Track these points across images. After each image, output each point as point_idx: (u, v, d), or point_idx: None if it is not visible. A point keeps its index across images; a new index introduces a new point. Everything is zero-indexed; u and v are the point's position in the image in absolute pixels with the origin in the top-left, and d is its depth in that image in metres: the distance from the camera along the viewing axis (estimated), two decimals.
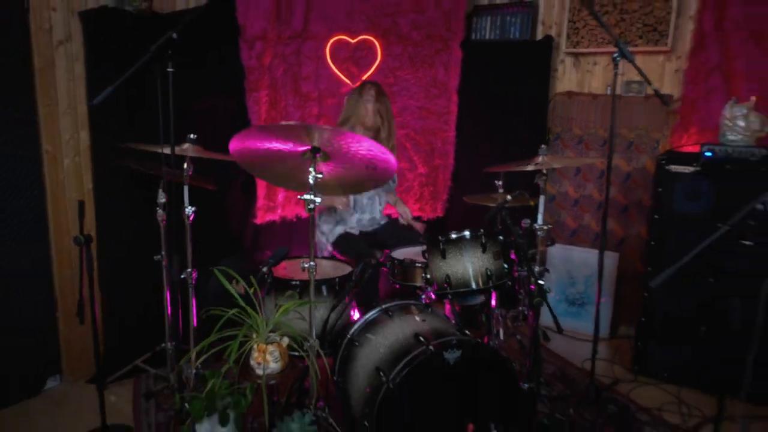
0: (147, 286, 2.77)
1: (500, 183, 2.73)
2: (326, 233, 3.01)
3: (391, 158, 1.97)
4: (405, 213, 3.14)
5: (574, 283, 3.55)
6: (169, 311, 2.56)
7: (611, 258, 3.39)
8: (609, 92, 3.36)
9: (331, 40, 3.44)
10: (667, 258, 2.80)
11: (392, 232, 3.10)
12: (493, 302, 2.72)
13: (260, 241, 3.46)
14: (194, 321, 2.46)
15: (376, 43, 3.50)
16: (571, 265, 3.53)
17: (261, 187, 3.38)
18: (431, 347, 1.95)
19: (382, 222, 3.19)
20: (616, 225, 3.42)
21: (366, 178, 2.13)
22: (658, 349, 2.91)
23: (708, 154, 2.69)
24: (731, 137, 2.73)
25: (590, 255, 3.45)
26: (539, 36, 3.56)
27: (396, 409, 1.95)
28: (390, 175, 2.09)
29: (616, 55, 2.28)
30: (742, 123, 2.70)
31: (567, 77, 3.54)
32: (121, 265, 2.83)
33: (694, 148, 2.87)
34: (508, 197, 2.21)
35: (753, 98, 2.72)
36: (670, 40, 3.16)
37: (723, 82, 3.03)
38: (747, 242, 2.53)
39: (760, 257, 2.54)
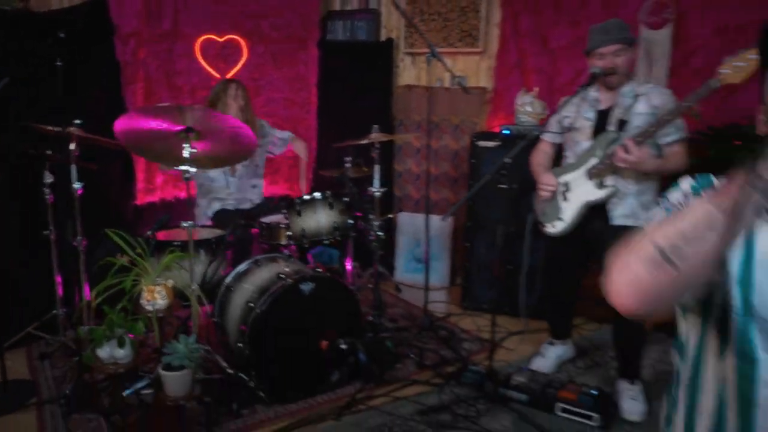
0: (40, 260, 3.04)
1: (348, 158, 3.34)
2: (203, 207, 3.45)
3: (251, 133, 2.48)
4: (301, 152, 3.65)
5: (419, 243, 4.27)
6: (60, 280, 2.89)
7: (446, 221, 4.15)
8: (438, 85, 4.10)
9: (200, 39, 3.86)
10: (480, 214, 3.58)
11: (267, 209, 3.59)
12: (349, 262, 3.34)
13: (140, 221, 3.80)
14: (86, 286, 2.81)
15: (242, 42, 3.99)
16: (416, 229, 4.24)
17: (140, 170, 3.73)
18: (289, 280, 2.52)
19: (258, 201, 3.67)
20: (449, 193, 4.19)
21: (233, 152, 2.63)
22: (478, 287, 3.70)
23: (506, 132, 3.50)
24: (522, 119, 3.57)
25: (430, 220, 4.18)
26: (383, 38, 4.24)
27: (264, 331, 2.49)
28: (252, 148, 2.60)
29: (428, 54, 2.97)
30: (529, 108, 3.55)
31: (407, 73, 4.26)
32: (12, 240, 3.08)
33: (498, 129, 3.69)
34: (347, 165, 2.84)
35: (536, 89, 3.58)
36: (481, 44, 3.97)
37: (520, 76, 3.89)
38: (503, 186, 3.23)
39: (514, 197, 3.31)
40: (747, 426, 0.89)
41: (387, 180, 4.36)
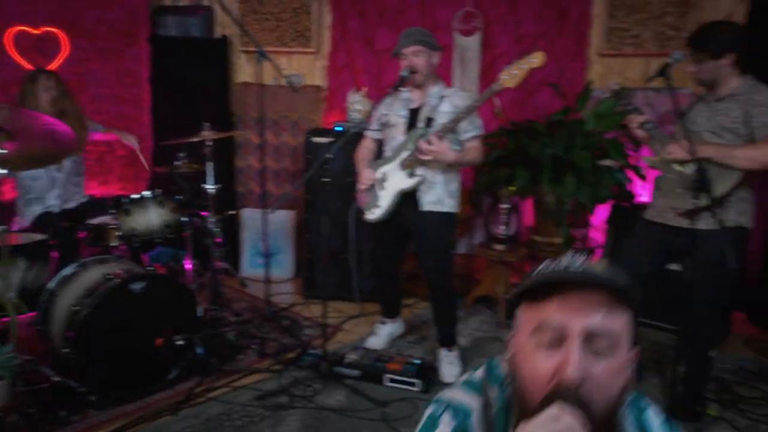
0: None
1: (182, 155, 3.32)
2: (23, 209, 3.23)
3: (68, 128, 2.40)
4: (131, 141, 3.49)
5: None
6: None
7: (289, 215, 4.29)
8: (275, 83, 4.21)
9: (12, 30, 3.59)
10: (317, 206, 3.76)
11: (93, 209, 3.45)
12: (188, 261, 3.34)
13: None
14: None
15: (62, 35, 3.76)
16: (260, 225, 4.32)
17: None
18: (117, 280, 2.49)
19: (83, 200, 3.50)
20: (291, 188, 4.33)
21: (51, 150, 2.52)
22: (320, 276, 3.89)
23: (338, 128, 3.71)
24: (353, 116, 3.81)
25: (274, 215, 4.29)
26: (217, 35, 4.24)
27: (91, 334, 2.44)
28: (73, 145, 2.51)
29: (257, 54, 3.08)
30: (359, 106, 3.79)
31: (244, 70, 4.31)
32: None
33: (331, 125, 3.90)
34: (178, 162, 2.85)
35: (365, 88, 3.83)
36: (314, 44, 4.15)
37: (351, 76, 4.13)
38: (325, 179, 3.43)
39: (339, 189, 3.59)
40: None
41: (228, 176, 4.40)
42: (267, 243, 3.49)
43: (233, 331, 3.22)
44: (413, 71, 2.64)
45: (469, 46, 4.00)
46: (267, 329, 3.40)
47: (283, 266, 4.38)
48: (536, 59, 2.40)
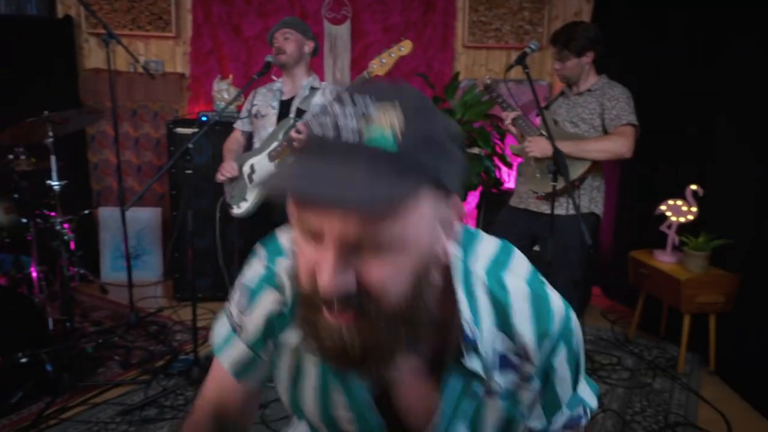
0: None
1: (20, 149, 2.92)
2: None
3: None
4: None
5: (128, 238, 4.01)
6: None
7: (155, 212, 3.98)
8: (132, 70, 3.87)
9: None
10: (183, 202, 3.52)
11: None
12: (34, 267, 2.96)
13: None
14: None
15: None
16: (121, 225, 3.96)
17: None
18: None
19: None
20: (156, 184, 4.01)
21: None
22: (193, 277, 3.64)
23: (204, 118, 3.49)
24: (220, 104, 3.60)
25: (138, 213, 3.95)
26: (60, 15, 3.80)
27: None
28: None
29: (105, 36, 2.78)
30: (225, 95, 3.60)
31: (94, 55, 3.91)
32: None
33: (196, 115, 3.66)
34: (10, 156, 2.50)
35: (231, 76, 3.64)
36: (173, 29, 3.87)
37: (217, 63, 3.91)
38: (188, 171, 3.18)
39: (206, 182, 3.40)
40: None
41: (81, 172, 3.98)
42: (127, 244, 3.19)
43: (91, 342, 2.91)
44: (280, 53, 2.54)
45: (339, 35, 3.95)
46: (132, 337, 3.12)
47: (151, 268, 4.07)
48: (404, 47, 2.41)
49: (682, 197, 2.96)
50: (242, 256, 3.32)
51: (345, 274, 0.61)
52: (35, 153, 2.78)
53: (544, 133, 2.58)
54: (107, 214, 3.96)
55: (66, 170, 3.26)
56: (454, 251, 0.75)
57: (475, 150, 3.39)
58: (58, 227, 2.71)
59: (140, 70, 3.78)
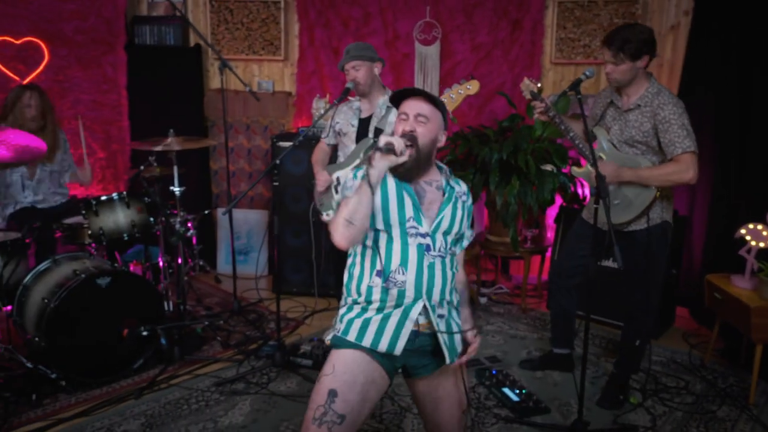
0: None
1: (153, 158, 3.53)
2: (6, 207, 3.45)
3: (39, 141, 2.63)
4: (85, 177, 3.67)
5: (239, 237, 4.58)
6: None
7: (263, 214, 4.52)
8: (247, 89, 4.41)
9: None
10: (286, 206, 3.98)
11: (69, 208, 3.66)
12: (161, 258, 3.56)
13: None
14: None
15: (43, 45, 3.98)
16: (235, 224, 4.54)
17: None
18: (83, 275, 2.72)
19: (62, 200, 3.71)
20: (264, 189, 4.55)
21: (18, 159, 2.74)
22: (290, 272, 4.11)
23: (301, 132, 3.92)
24: (318, 121, 4.02)
25: (248, 214, 4.52)
26: (191, 44, 4.46)
27: (60, 324, 2.67)
28: (41, 153, 2.74)
29: (219, 65, 3.29)
30: (322, 112, 4.01)
31: (217, 77, 4.50)
32: None
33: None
34: (142, 167, 3.08)
35: (328, 94, 4.05)
36: (283, 52, 4.37)
37: (318, 82, 4.35)
38: (275, 183, 3.59)
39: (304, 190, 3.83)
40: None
41: (204, 178, 4.63)
42: (233, 241, 3.70)
43: (201, 324, 3.44)
44: (356, 83, 2.86)
45: (429, 55, 4.22)
46: (234, 322, 3.63)
47: (257, 263, 4.60)
48: (472, 86, 2.61)
49: (764, 222, 2.85)
50: (329, 256, 3.75)
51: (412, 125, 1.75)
52: (163, 162, 3.35)
53: (603, 156, 2.65)
54: (222, 216, 4.56)
55: (190, 176, 3.87)
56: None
57: (548, 167, 3.48)
58: (177, 225, 3.26)
59: (254, 89, 4.35)
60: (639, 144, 2.56)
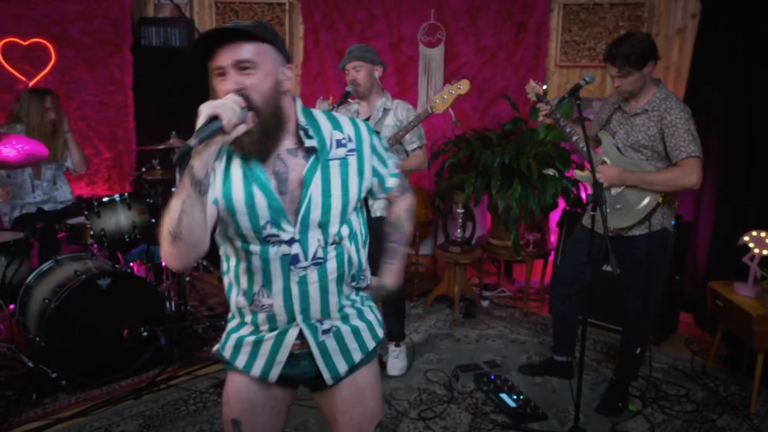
0: None
1: (156, 161, 3.56)
2: (8, 212, 3.49)
3: (42, 147, 2.67)
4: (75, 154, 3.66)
5: None
6: None
7: None
8: None
9: (1, 42, 3.85)
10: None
11: (73, 210, 3.70)
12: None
13: None
14: None
15: (50, 46, 4.03)
16: None
17: None
18: (83, 276, 2.75)
19: (66, 200, 3.75)
20: None
21: (24, 163, 2.78)
22: None
23: None
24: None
25: None
26: None
27: (60, 324, 2.70)
28: (43, 157, 2.77)
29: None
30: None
31: None
32: None
33: None
34: (143, 169, 3.11)
35: (331, 96, 4.05)
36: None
37: (323, 84, 4.36)
38: None
39: None
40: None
41: None
42: None
43: (203, 324, 3.46)
44: (356, 84, 2.86)
45: (433, 57, 4.21)
46: None
47: None
48: (463, 86, 2.61)
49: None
50: None
51: (236, 82, 1.24)
52: (167, 164, 3.38)
53: (607, 160, 2.63)
54: None
55: None
56: (299, 103, 1.38)
57: (550, 171, 3.47)
58: None
59: None
60: (644, 149, 2.54)
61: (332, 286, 1.40)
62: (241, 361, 1.43)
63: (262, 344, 1.41)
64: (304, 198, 1.31)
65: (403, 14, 4.18)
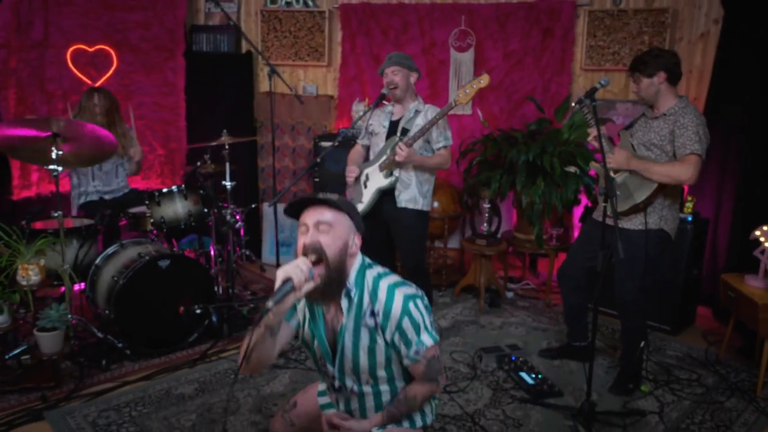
0: None
1: (206, 156, 3.89)
2: (75, 199, 3.87)
3: (111, 136, 3.02)
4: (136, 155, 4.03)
5: (283, 229, 4.93)
6: None
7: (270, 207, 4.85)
8: (293, 93, 4.76)
9: (71, 49, 4.26)
10: None
11: (132, 199, 4.07)
12: (212, 245, 3.93)
13: (18, 214, 4.15)
14: None
15: (112, 52, 4.42)
16: (280, 217, 4.89)
17: (15, 168, 4.09)
18: (147, 257, 3.09)
19: (125, 191, 4.13)
20: (306, 185, 4.89)
21: (97, 151, 3.14)
22: None
23: (341, 132, 4.22)
24: (357, 123, 4.31)
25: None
26: (243, 51, 4.84)
27: (127, 300, 3.05)
28: (113, 147, 3.12)
29: (268, 71, 3.63)
30: (361, 114, 4.30)
31: (266, 81, 4.86)
32: None
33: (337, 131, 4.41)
34: (198, 163, 3.44)
35: (366, 98, 4.34)
36: (326, 59, 4.69)
37: (359, 87, 4.65)
38: (316, 179, 4.02)
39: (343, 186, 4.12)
40: None
41: (252, 174, 4.99)
42: (278, 233, 4.01)
43: (247, 306, 3.79)
44: (393, 87, 3.13)
45: (463, 61, 4.46)
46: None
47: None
48: (483, 80, 2.87)
49: None
50: (368, 246, 4.00)
51: (312, 237, 1.55)
52: (217, 159, 3.72)
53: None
54: (268, 208, 4.92)
55: (240, 173, 4.22)
56: (359, 259, 1.65)
57: (571, 168, 3.67)
58: (228, 217, 3.61)
59: (299, 93, 4.68)
60: (654, 147, 2.75)
61: (370, 406, 1.72)
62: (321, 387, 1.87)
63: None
64: (338, 347, 1.62)
65: (435, 21, 4.44)
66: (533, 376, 2.97)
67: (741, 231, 3.64)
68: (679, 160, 2.64)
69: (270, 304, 1.41)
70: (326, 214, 1.54)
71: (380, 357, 1.62)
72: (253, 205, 4.75)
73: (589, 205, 3.96)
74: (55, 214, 2.99)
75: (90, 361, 3.03)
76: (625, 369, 2.98)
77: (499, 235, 4.29)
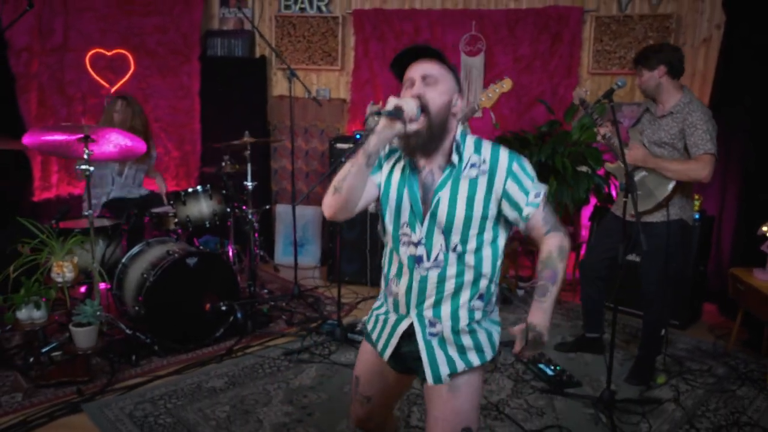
0: None
1: (226, 157, 3.98)
2: (97, 197, 3.94)
3: (138, 141, 3.10)
4: (161, 186, 4.17)
5: (298, 230, 5.02)
6: None
7: (318, 210, 4.94)
8: (307, 96, 4.86)
9: (90, 53, 4.34)
10: None
11: (156, 202, 4.15)
12: (231, 245, 4.02)
13: (39, 215, 4.21)
14: None
15: (129, 56, 4.50)
16: (291, 218, 4.98)
17: (36, 169, 4.15)
18: (175, 255, 3.17)
19: (143, 193, 4.20)
20: (319, 187, 4.97)
21: (121, 155, 3.22)
22: (344, 263, 4.51)
23: (357, 136, 4.34)
24: (371, 125, 4.42)
25: (304, 210, 4.94)
26: (257, 55, 4.93)
27: (157, 296, 3.12)
28: (138, 151, 3.20)
29: (288, 74, 3.73)
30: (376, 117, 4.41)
31: (279, 85, 4.98)
32: None
33: (352, 133, 4.52)
34: (222, 164, 3.53)
35: (381, 101, 4.44)
36: (339, 63, 4.79)
37: (372, 90, 4.75)
38: None
39: None
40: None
41: (265, 176, 5.08)
42: (296, 234, 4.12)
43: (268, 304, 3.87)
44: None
45: (474, 65, 4.58)
46: (294, 305, 4.04)
47: (312, 255, 5.02)
48: (506, 84, 2.98)
49: None
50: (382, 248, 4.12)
51: (419, 89, 1.51)
52: (238, 159, 3.81)
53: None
54: (281, 209, 5.00)
55: (253, 174, 4.30)
56: (461, 127, 1.59)
57: (583, 168, 3.80)
58: (249, 217, 3.70)
59: (314, 96, 4.77)
60: (666, 145, 2.87)
61: (448, 292, 1.56)
62: (372, 335, 1.71)
63: (386, 325, 1.66)
64: (433, 201, 1.54)
65: (447, 26, 4.56)
66: (552, 367, 3.08)
67: (744, 230, 3.77)
68: (694, 158, 2.76)
69: (381, 112, 1.43)
70: (434, 68, 1.51)
71: (478, 208, 1.53)
72: (267, 207, 4.83)
73: (599, 204, 4.08)
74: (86, 213, 3.07)
75: (119, 357, 3.09)
76: (644, 359, 3.09)
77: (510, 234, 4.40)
